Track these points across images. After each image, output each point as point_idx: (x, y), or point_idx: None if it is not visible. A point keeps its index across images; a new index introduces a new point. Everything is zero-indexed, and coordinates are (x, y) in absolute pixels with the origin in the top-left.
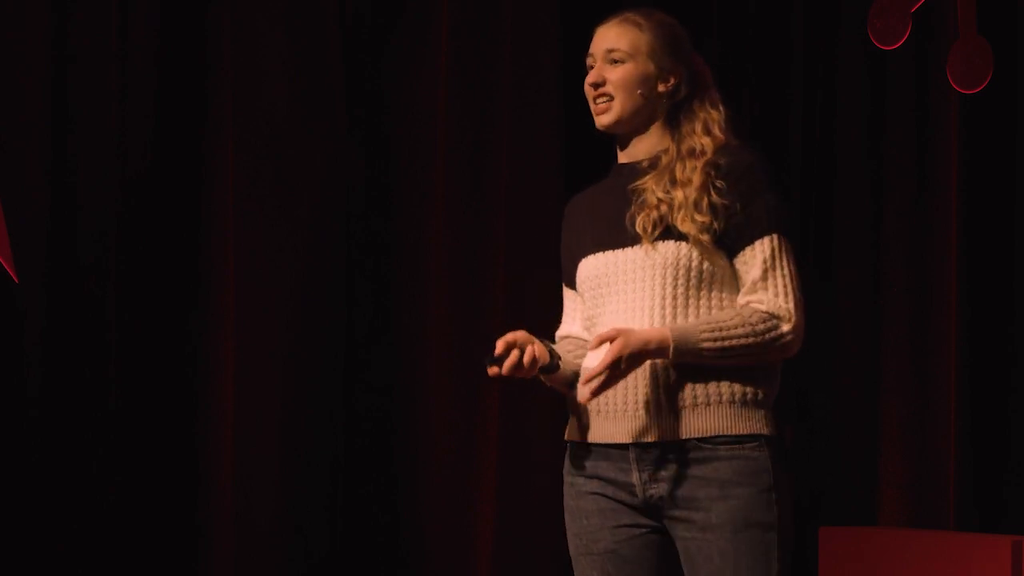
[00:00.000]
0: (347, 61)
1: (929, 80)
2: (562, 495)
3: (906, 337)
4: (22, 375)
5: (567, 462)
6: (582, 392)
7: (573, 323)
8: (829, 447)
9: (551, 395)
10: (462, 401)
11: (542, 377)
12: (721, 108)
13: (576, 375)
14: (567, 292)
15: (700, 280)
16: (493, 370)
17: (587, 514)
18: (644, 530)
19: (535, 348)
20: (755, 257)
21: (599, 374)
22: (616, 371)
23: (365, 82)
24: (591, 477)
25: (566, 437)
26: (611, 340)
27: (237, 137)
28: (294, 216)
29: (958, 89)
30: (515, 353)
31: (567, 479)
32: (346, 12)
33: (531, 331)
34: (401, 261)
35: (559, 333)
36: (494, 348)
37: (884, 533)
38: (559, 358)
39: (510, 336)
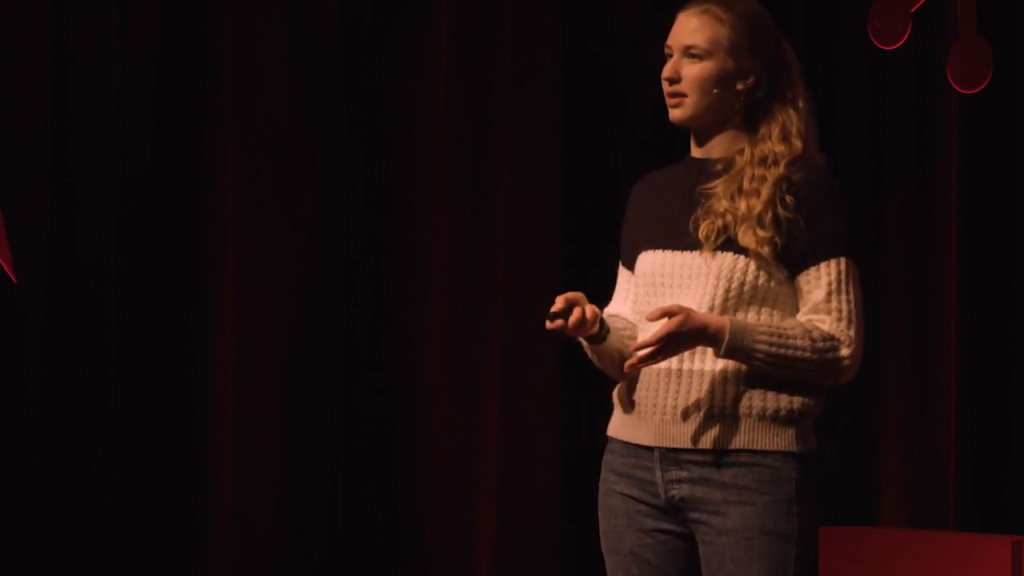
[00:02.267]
0: (347, 61)
1: (929, 80)
2: (563, 495)
3: (906, 337)
4: (22, 375)
5: (604, 457)
6: (629, 361)
7: (624, 304)
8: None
9: (551, 395)
10: (462, 401)
11: (589, 349)
12: (801, 106)
13: (622, 353)
14: (622, 272)
15: (753, 296)
16: (556, 323)
17: (615, 513)
18: (670, 535)
19: (592, 307)
20: (820, 278)
21: (650, 345)
22: (667, 346)
23: (365, 82)
24: (621, 475)
25: (607, 432)
26: (671, 315)
27: (237, 137)
28: (294, 216)
29: (958, 89)
30: (578, 309)
31: (602, 474)
32: (346, 12)
33: (533, 331)
34: (401, 261)
35: (608, 311)
36: (552, 304)
37: (884, 533)
38: (607, 329)
39: (569, 294)
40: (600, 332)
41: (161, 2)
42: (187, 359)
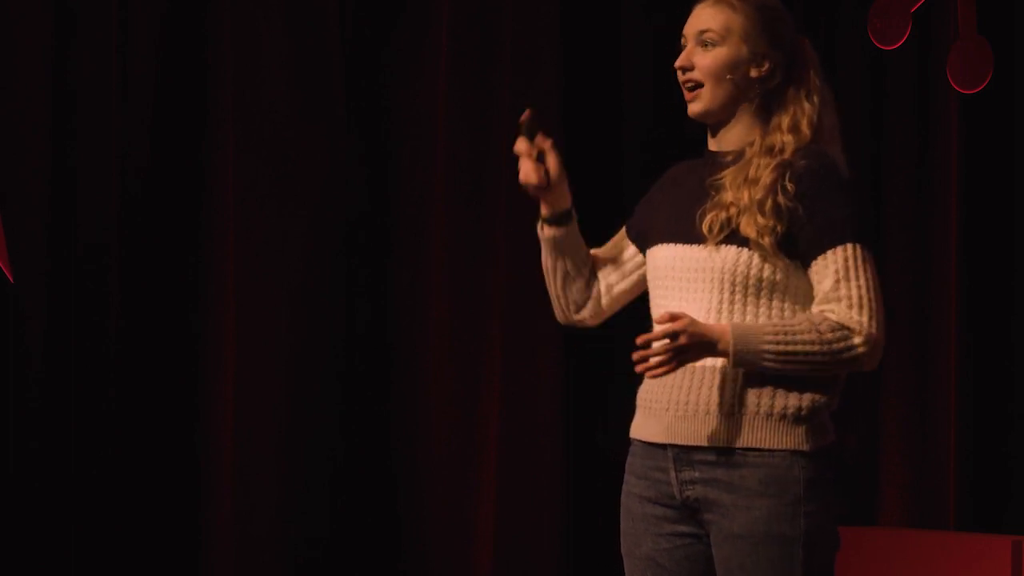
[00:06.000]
0: (347, 61)
1: (929, 80)
2: (563, 495)
3: (906, 337)
4: (23, 375)
5: (627, 458)
6: (637, 357)
7: (601, 249)
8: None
9: (551, 395)
10: (462, 401)
11: (550, 232)
12: (816, 99)
13: (583, 259)
14: (622, 234)
15: (759, 288)
16: (522, 144)
17: (633, 516)
18: (687, 540)
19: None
20: (827, 267)
21: (658, 339)
22: (676, 347)
23: (365, 82)
24: (640, 478)
25: (629, 434)
26: (675, 319)
27: (237, 137)
28: (294, 216)
29: (958, 89)
30: (550, 141)
31: (625, 476)
32: (346, 12)
33: (533, 331)
34: (401, 261)
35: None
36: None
37: (884, 533)
38: (574, 215)
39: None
40: (570, 209)
41: (161, 2)
42: (187, 359)
